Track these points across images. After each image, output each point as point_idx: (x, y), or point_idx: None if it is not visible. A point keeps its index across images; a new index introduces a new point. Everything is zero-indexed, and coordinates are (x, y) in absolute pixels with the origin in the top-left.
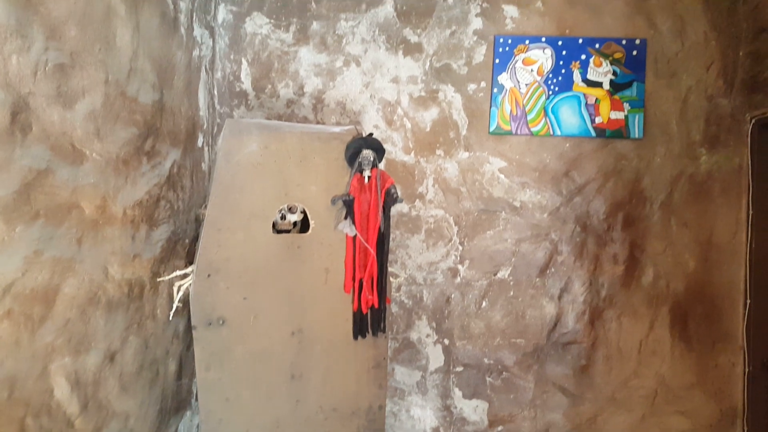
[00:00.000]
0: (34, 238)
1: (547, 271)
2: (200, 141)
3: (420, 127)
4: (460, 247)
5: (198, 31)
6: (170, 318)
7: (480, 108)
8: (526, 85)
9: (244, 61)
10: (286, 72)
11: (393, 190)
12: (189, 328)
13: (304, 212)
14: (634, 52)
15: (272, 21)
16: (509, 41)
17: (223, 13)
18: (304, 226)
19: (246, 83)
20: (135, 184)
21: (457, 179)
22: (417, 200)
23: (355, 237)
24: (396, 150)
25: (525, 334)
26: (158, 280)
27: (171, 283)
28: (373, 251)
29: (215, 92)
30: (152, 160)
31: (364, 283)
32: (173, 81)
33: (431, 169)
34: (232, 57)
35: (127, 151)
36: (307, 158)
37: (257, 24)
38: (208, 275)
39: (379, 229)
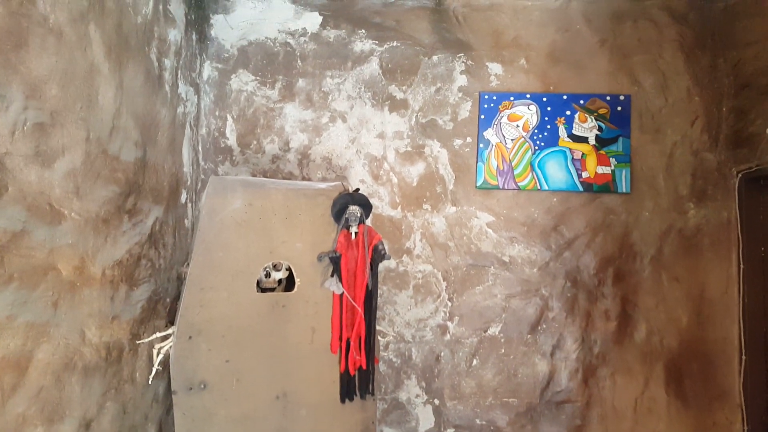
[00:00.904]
0: (7, 302)
1: (539, 328)
2: (183, 197)
3: (407, 181)
4: (449, 303)
5: (183, 88)
6: (149, 381)
7: (466, 163)
8: (512, 140)
9: (229, 117)
10: (272, 128)
11: (381, 247)
12: (169, 391)
13: (289, 269)
14: (619, 108)
15: (258, 78)
16: (494, 98)
17: (208, 71)
18: (289, 284)
19: (231, 139)
20: (115, 243)
21: (445, 234)
22: (404, 255)
23: (342, 295)
24: (383, 204)
25: (517, 393)
26: (138, 342)
27: (151, 345)
28: (360, 309)
29: (199, 148)
30: (133, 218)
31: (352, 343)
32: (157, 138)
33: (418, 223)
34: (217, 113)
35: (107, 210)
36: (293, 215)
37: (243, 81)
38: (189, 337)
39: (367, 286)
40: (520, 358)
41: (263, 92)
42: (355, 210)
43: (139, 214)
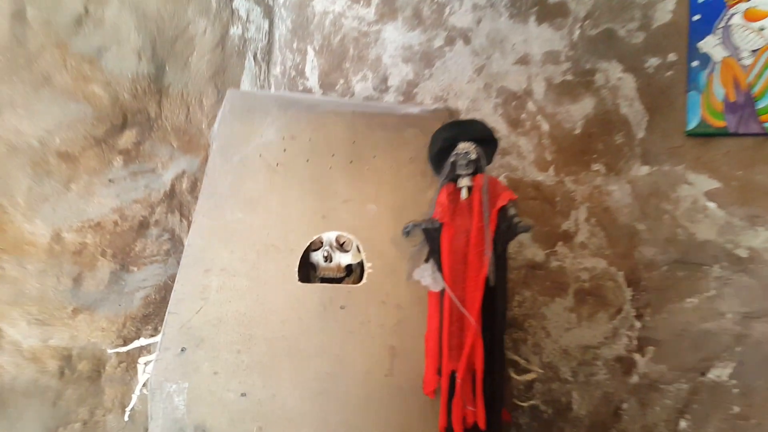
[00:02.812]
0: None
1: None
2: None
3: (564, 128)
4: (638, 323)
5: (242, 4)
6: (127, 417)
7: (668, 95)
8: (753, 52)
9: (310, 50)
10: (365, 60)
11: (513, 212)
12: None
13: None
14: None
15: None
16: None
17: None
18: (350, 272)
19: (312, 79)
20: (89, 194)
21: (631, 210)
22: (560, 243)
23: (442, 293)
24: (524, 165)
25: None
26: (110, 351)
27: (133, 357)
28: (475, 321)
29: (272, 91)
30: (135, 164)
31: (459, 380)
32: (189, 59)
33: (584, 193)
34: (295, 46)
35: (71, 140)
36: (363, 157)
37: (329, 0)
38: (182, 349)
39: (486, 280)
40: None
41: (355, 11)
42: (468, 149)
43: (147, 160)
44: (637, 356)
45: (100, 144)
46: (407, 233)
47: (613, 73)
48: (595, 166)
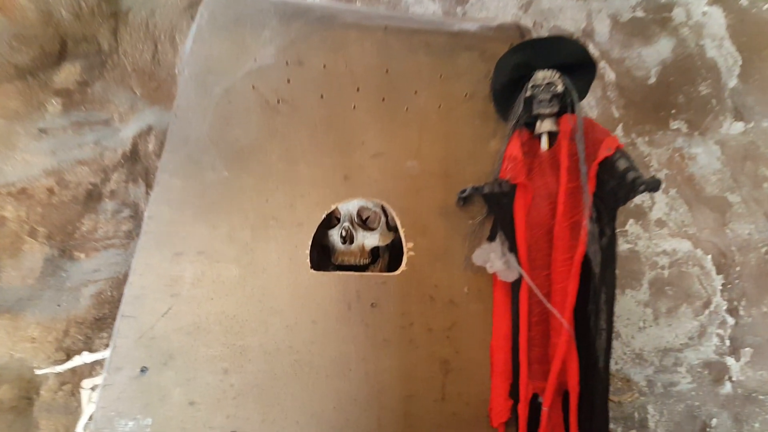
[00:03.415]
0: None
1: None
2: None
3: (635, 77)
4: (731, 319)
5: None
6: None
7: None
8: None
9: None
10: None
11: (624, 164)
12: None
13: (395, 230)
14: None
15: None
16: None
17: None
18: (375, 258)
19: None
20: (9, 147)
21: (720, 178)
22: (630, 221)
23: (517, 285)
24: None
25: None
26: (38, 372)
27: (81, 377)
28: (567, 323)
29: None
30: (78, 111)
31: (546, 409)
32: None
33: (661, 158)
34: None
35: None
36: (399, 93)
37: None
38: (143, 369)
39: (585, 265)
40: None
41: None
42: (550, 79)
43: (98, 107)
44: (730, 360)
45: (23, 77)
46: (463, 200)
47: (696, 6)
48: (675, 124)
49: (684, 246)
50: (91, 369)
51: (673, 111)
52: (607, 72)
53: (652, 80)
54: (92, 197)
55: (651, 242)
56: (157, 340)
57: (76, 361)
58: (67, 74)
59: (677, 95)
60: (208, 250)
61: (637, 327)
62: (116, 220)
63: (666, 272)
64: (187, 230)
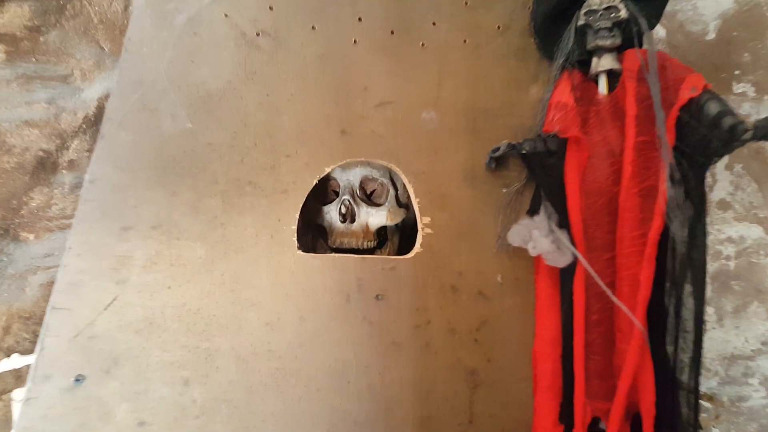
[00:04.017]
0: None
1: None
2: None
3: (690, 32)
4: None
5: None
6: None
7: None
8: None
9: None
10: None
11: (715, 107)
12: None
13: (407, 206)
14: None
15: None
16: None
17: None
18: (383, 240)
19: None
20: None
21: None
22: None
23: (569, 272)
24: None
25: None
26: None
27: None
28: (641, 325)
29: None
30: (27, 61)
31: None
32: None
33: None
34: None
35: None
36: (412, 24)
37: None
38: (78, 378)
39: (663, 245)
40: None
41: None
42: (609, 2)
43: (54, 60)
44: None
45: None
46: (496, 162)
47: None
48: (740, 87)
49: (753, 232)
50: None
51: (736, 72)
52: (656, 27)
53: (711, 36)
54: (44, 167)
55: (713, 228)
56: (97, 341)
57: (4, 365)
58: (12, 16)
59: (741, 53)
60: (166, 224)
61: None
62: (75, 196)
63: (732, 264)
64: (139, 198)
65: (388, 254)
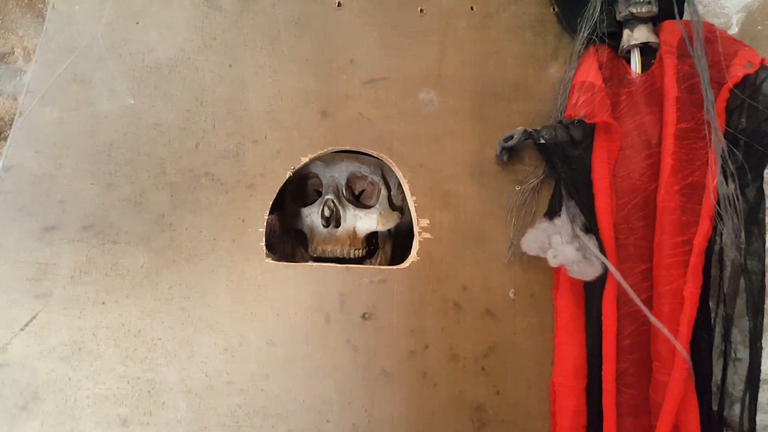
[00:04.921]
0: None
1: None
2: None
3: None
4: None
5: None
6: None
7: None
8: None
9: None
10: None
11: None
12: None
13: (402, 210)
14: None
15: None
16: None
17: None
18: (373, 249)
19: None
20: None
21: None
22: None
23: (598, 285)
24: None
25: None
26: None
27: None
28: (685, 352)
29: None
30: None
31: None
32: None
33: None
34: None
35: None
36: None
37: None
38: None
39: (709, 255)
40: None
41: None
42: None
43: None
44: None
45: None
46: (509, 153)
47: None
48: None
49: None
50: None
51: None
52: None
53: (734, 30)
54: None
55: None
56: (11, 369)
57: None
58: None
59: (767, 48)
60: (99, 224)
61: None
62: None
63: None
64: (66, 191)
65: (379, 264)
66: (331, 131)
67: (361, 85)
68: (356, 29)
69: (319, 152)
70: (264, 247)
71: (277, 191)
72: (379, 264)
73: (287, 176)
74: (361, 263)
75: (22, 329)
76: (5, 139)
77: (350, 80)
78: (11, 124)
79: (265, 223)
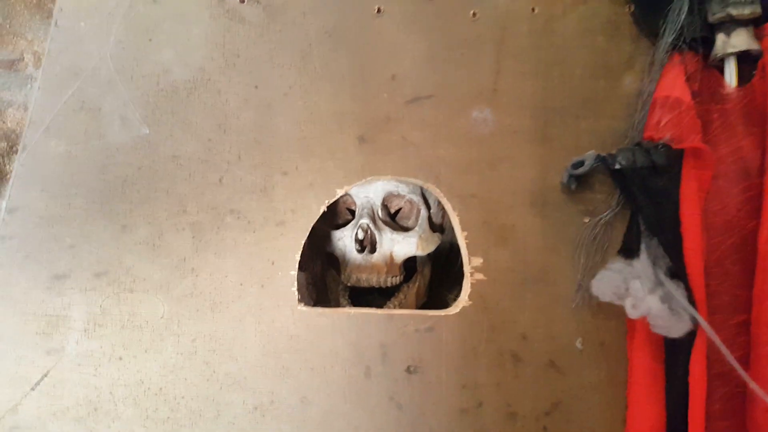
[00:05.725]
0: None
1: None
2: None
3: None
4: None
5: None
6: None
7: None
8: None
9: None
10: None
11: None
12: None
13: (441, 229)
14: None
15: None
16: None
17: None
18: (412, 269)
19: None
20: None
21: None
22: None
23: (685, 341)
24: None
25: None
26: None
27: None
28: None
29: None
30: None
31: None
32: None
33: None
34: None
35: None
36: None
37: None
38: None
39: None
40: None
41: None
42: None
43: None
44: None
45: None
46: (577, 181)
47: None
48: None
49: None
50: None
51: None
52: None
53: None
54: None
55: None
56: (22, 431)
57: None
58: None
59: None
60: (114, 270)
61: None
62: None
63: None
64: (77, 234)
65: (417, 291)
66: (370, 159)
67: (404, 104)
68: (398, 40)
69: (357, 183)
70: (296, 293)
71: (309, 229)
72: (418, 289)
73: (321, 211)
74: (398, 290)
75: (32, 388)
76: (16, 152)
77: (392, 99)
78: (14, 138)
79: (296, 266)
